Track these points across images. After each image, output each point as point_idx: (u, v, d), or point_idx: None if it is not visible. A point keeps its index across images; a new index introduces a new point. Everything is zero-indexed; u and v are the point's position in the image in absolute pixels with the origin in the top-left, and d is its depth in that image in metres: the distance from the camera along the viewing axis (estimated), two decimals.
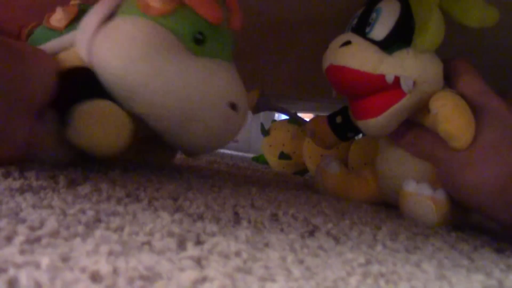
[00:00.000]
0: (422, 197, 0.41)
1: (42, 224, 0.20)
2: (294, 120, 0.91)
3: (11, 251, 0.16)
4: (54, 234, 0.19)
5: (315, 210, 0.38)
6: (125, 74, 0.35)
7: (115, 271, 0.16)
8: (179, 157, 0.61)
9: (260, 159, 0.98)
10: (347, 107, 0.54)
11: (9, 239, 0.17)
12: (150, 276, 0.16)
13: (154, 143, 0.44)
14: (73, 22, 0.41)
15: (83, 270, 0.15)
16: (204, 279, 0.17)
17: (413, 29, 0.42)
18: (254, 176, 0.64)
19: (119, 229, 0.22)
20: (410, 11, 0.42)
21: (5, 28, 0.45)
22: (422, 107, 0.42)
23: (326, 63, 0.46)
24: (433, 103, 0.39)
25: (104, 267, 0.16)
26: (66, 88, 0.35)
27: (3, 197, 0.24)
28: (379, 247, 0.28)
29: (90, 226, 0.21)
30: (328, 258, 0.23)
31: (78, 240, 0.19)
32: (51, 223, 0.20)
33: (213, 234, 0.24)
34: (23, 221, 0.20)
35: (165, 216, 0.25)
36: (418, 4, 0.42)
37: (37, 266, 0.15)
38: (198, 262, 0.19)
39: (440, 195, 0.40)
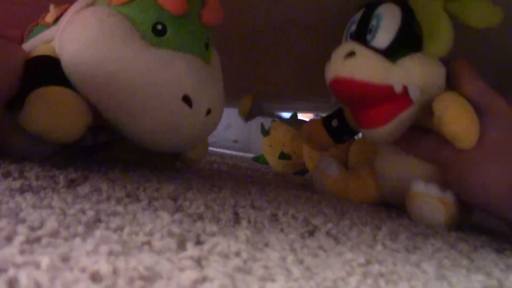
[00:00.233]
0: (431, 197, 0.40)
1: (42, 224, 0.20)
2: (293, 121, 0.92)
3: (11, 251, 0.16)
4: (54, 234, 0.19)
5: (315, 210, 0.38)
6: (76, 59, 0.35)
7: (115, 271, 0.16)
8: None
9: (260, 159, 0.98)
10: (342, 109, 0.54)
11: (9, 239, 0.17)
12: (150, 276, 0.16)
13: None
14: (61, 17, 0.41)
15: (83, 270, 0.15)
16: (204, 279, 0.17)
17: (415, 34, 0.41)
18: (254, 176, 0.64)
19: (119, 229, 0.21)
20: (411, 17, 0.42)
21: (7, 33, 0.46)
22: (427, 110, 0.41)
23: (330, 75, 0.44)
24: (436, 106, 0.39)
25: (104, 267, 0.16)
26: (31, 77, 0.36)
27: (3, 197, 0.24)
28: (379, 247, 0.28)
29: (90, 226, 0.21)
30: (328, 258, 0.23)
31: (78, 240, 0.19)
32: (51, 223, 0.20)
33: (213, 234, 0.24)
34: (23, 221, 0.20)
35: (165, 216, 0.25)
36: (423, 9, 0.41)
37: (37, 266, 0.15)
38: (198, 262, 0.19)
39: (449, 196, 0.40)
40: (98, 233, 0.20)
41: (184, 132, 0.39)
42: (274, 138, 0.90)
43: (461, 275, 0.24)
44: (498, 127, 0.37)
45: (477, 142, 0.37)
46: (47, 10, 0.45)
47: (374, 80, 0.41)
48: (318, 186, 0.53)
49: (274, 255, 0.21)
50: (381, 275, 0.21)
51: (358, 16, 0.46)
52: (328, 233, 0.30)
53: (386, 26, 0.42)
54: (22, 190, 0.27)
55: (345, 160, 0.67)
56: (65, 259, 0.16)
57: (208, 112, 0.39)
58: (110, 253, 0.18)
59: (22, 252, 0.16)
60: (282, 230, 0.28)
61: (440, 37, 0.40)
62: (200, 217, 0.28)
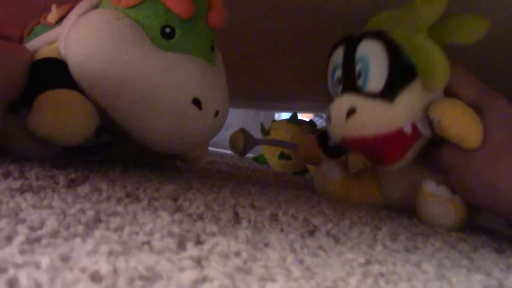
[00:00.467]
0: (442, 198, 0.40)
1: (42, 224, 0.20)
2: (294, 120, 0.92)
3: (11, 251, 0.16)
4: (54, 234, 0.19)
5: (315, 210, 0.38)
6: (85, 62, 0.35)
7: (115, 271, 0.16)
8: None
9: (260, 159, 0.98)
10: None
11: (9, 239, 0.17)
12: (150, 276, 0.16)
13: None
14: (64, 18, 0.41)
15: (83, 270, 0.15)
16: (204, 279, 0.17)
17: (405, 65, 0.40)
18: (254, 176, 0.64)
19: (119, 229, 0.21)
20: (396, 49, 0.40)
21: (8, 32, 0.46)
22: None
23: (337, 136, 0.44)
24: (433, 113, 0.39)
25: (104, 267, 0.16)
26: (38, 80, 0.36)
27: (3, 197, 0.24)
28: (379, 247, 0.28)
29: (90, 226, 0.21)
30: (328, 258, 0.23)
31: (78, 240, 0.19)
32: (51, 223, 0.20)
33: (213, 234, 0.24)
34: (23, 221, 0.20)
35: (165, 216, 0.25)
36: (409, 44, 0.40)
37: (37, 266, 0.15)
38: (198, 262, 0.19)
39: (460, 198, 0.40)
40: (98, 233, 0.20)
41: (194, 134, 0.39)
42: (274, 138, 0.89)
43: (461, 275, 0.24)
44: (501, 125, 0.37)
45: (482, 142, 0.37)
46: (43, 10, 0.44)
47: (382, 131, 0.41)
48: (320, 189, 0.52)
49: (274, 255, 0.21)
50: (381, 275, 0.21)
51: (339, 57, 0.44)
52: (328, 233, 0.30)
53: (375, 67, 0.41)
54: (22, 190, 0.27)
55: (344, 161, 0.67)
56: (65, 259, 0.16)
57: (216, 114, 0.40)
58: (110, 253, 0.18)
59: (22, 252, 0.16)
60: (282, 230, 0.28)
61: (436, 72, 0.39)
62: (200, 217, 0.28)
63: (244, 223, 0.28)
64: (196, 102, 0.37)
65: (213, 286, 0.16)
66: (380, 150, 0.43)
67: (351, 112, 0.41)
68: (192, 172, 0.52)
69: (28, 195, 0.25)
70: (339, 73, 0.45)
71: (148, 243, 0.20)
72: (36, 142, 0.34)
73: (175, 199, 0.32)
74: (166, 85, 0.36)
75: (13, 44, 0.39)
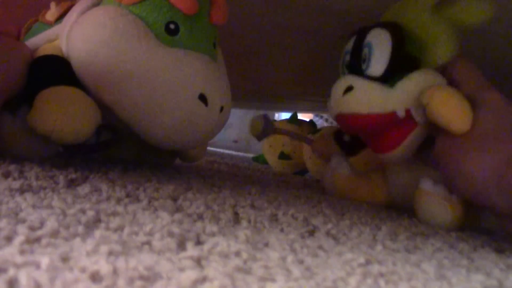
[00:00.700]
0: (438, 197, 0.41)
1: (42, 224, 0.20)
2: (294, 120, 0.91)
3: (11, 251, 0.16)
4: (54, 234, 0.19)
5: (315, 210, 0.38)
6: (89, 58, 0.35)
7: (115, 271, 0.16)
8: None
9: (260, 159, 0.98)
10: None
11: (9, 239, 0.17)
12: (150, 276, 0.16)
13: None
14: (64, 16, 0.41)
15: (83, 270, 0.15)
16: (204, 279, 0.17)
17: (409, 54, 0.42)
18: (254, 176, 0.64)
19: (119, 229, 0.21)
20: (402, 38, 0.42)
21: (5, 29, 0.45)
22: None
23: (334, 113, 0.46)
24: (422, 98, 0.40)
25: (104, 267, 0.16)
26: (40, 77, 0.35)
27: (3, 197, 0.24)
28: (379, 247, 0.28)
29: (90, 226, 0.21)
30: (328, 258, 0.23)
31: (78, 240, 0.19)
32: (51, 223, 0.20)
33: (213, 234, 0.24)
34: (23, 221, 0.20)
35: (165, 216, 0.25)
36: (414, 23, 0.42)
37: (37, 266, 0.15)
38: (198, 262, 0.19)
39: (457, 197, 0.40)
40: (98, 233, 0.20)
41: (200, 130, 0.39)
42: (274, 138, 0.90)
43: (461, 275, 0.24)
44: (491, 118, 0.38)
45: (469, 133, 0.38)
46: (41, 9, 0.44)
47: (375, 111, 0.42)
48: (328, 185, 0.53)
49: (274, 255, 0.21)
50: (381, 275, 0.21)
51: (350, 45, 0.46)
52: (328, 233, 0.30)
53: (379, 53, 0.42)
54: (22, 190, 0.27)
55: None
56: (65, 259, 0.16)
57: (221, 110, 0.40)
58: (110, 253, 0.18)
59: (22, 252, 0.16)
60: (282, 230, 0.28)
61: (439, 43, 0.41)
62: (200, 217, 0.28)
63: (244, 223, 0.28)
64: (202, 98, 0.37)
65: (213, 286, 0.16)
66: (375, 133, 0.44)
67: (348, 90, 0.43)
68: (192, 172, 0.52)
69: (28, 195, 0.25)
70: (347, 58, 0.46)
71: (148, 243, 0.20)
72: (36, 141, 0.34)
73: (175, 199, 0.32)
74: (173, 81, 0.36)
75: (12, 40, 0.39)
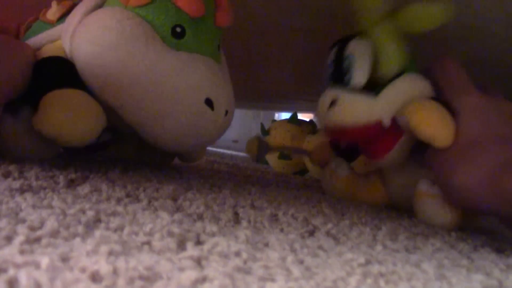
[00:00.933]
0: (437, 198, 0.41)
1: (42, 224, 0.20)
2: (294, 120, 0.91)
3: (11, 251, 0.16)
4: (54, 234, 0.19)
5: (315, 210, 0.38)
6: (96, 61, 0.35)
7: (115, 271, 0.16)
8: None
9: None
10: None
11: (9, 239, 0.17)
12: (150, 276, 0.16)
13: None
14: (66, 15, 0.41)
15: (83, 270, 0.15)
16: (204, 279, 0.17)
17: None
18: (254, 176, 0.64)
19: (119, 229, 0.21)
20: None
21: (3, 26, 0.45)
22: None
23: (321, 125, 0.47)
24: (402, 114, 0.40)
25: (104, 267, 0.16)
26: (44, 79, 0.35)
27: (3, 197, 0.24)
28: (379, 247, 0.28)
29: (90, 226, 0.21)
30: (328, 258, 0.23)
31: (78, 240, 0.19)
32: (51, 223, 0.20)
33: (213, 234, 0.24)
34: (23, 221, 0.20)
35: (165, 216, 0.25)
36: (375, 36, 0.42)
37: (37, 266, 0.15)
38: (198, 262, 0.19)
39: None
40: (98, 233, 0.20)
41: (206, 134, 0.39)
42: (274, 138, 0.89)
43: (461, 275, 0.24)
44: (475, 124, 0.37)
45: (456, 141, 0.38)
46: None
47: (361, 122, 0.43)
48: (328, 187, 0.53)
49: (274, 255, 0.21)
50: (381, 275, 0.21)
51: (331, 58, 0.47)
52: (328, 233, 0.30)
53: (360, 63, 0.43)
54: (22, 190, 0.27)
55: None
56: (65, 259, 0.16)
57: (226, 113, 0.40)
58: (110, 253, 0.18)
59: (22, 252, 0.16)
60: (282, 230, 0.28)
61: (386, 60, 0.41)
62: (200, 217, 0.28)
63: (244, 223, 0.28)
64: (209, 102, 0.37)
65: (213, 286, 0.16)
66: (366, 142, 0.45)
67: (333, 102, 0.44)
68: (192, 172, 0.52)
69: (28, 195, 0.25)
70: (330, 70, 0.47)
71: (148, 243, 0.20)
72: (37, 142, 0.34)
73: (175, 199, 0.32)
74: (180, 86, 0.36)
75: (15, 41, 0.38)
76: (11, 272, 0.14)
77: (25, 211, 0.22)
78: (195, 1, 0.37)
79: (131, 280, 0.15)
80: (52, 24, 0.42)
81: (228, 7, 0.41)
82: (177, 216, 0.26)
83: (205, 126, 0.38)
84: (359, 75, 0.43)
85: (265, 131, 0.92)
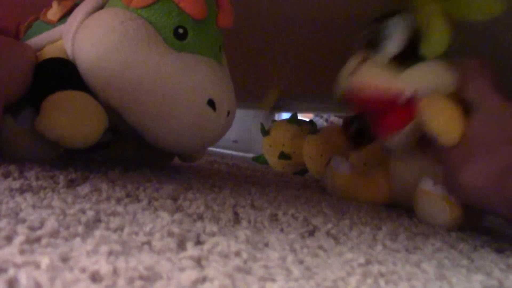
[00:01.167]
0: (437, 196, 0.41)
1: (42, 224, 0.20)
2: (294, 120, 0.91)
3: (11, 251, 0.16)
4: (54, 234, 0.19)
5: (315, 210, 0.38)
6: (99, 63, 0.35)
7: (115, 271, 0.16)
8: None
9: (260, 159, 0.98)
10: (360, 115, 0.54)
11: (9, 239, 0.17)
12: (150, 276, 0.16)
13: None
14: (66, 16, 0.41)
15: (83, 270, 0.15)
16: (204, 279, 0.17)
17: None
18: (254, 176, 0.64)
19: (119, 229, 0.21)
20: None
21: (3, 25, 0.45)
22: None
23: (340, 89, 0.47)
24: (419, 106, 0.40)
25: (104, 267, 0.16)
26: (46, 81, 0.35)
27: (3, 197, 0.24)
28: (379, 247, 0.28)
29: (90, 226, 0.21)
30: (328, 258, 0.23)
31: (78, 240, 0.19)
32: (51, 223, 0.20)
33: (213, 234, 0.24)
34: (23, 221, 0.20)
35: (165, 216, 0.25)
36: (421, 13, 0.42)
37: (37, 266, 0.15)
38: (198, 262, 0.19)
39: (455, 197, 0.40)
40: (98, 233, 0.20)
41: (208, 135, 0.39)
42: (274, 138, 0.89)
43: (461, 275, 0.24)
44: (489, 126, 0.37)
45: (465, 139, 0.38)
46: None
47: (382, 85, 0.43)
48: (329, 185, 0.53)
49: (274, 255, 0.21)
50: (381, 275, 0.21)
51: (371, 26, 0.47)
52: (328, 233, 0.30)
53: (397, 35, 0.43)
54: (22, 190, 0.27)
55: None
56: (65, 259, 0.16)
57: (227, 114, 0.40)
58: (110, 253, 0.18)
59: (22, 252, 0.16)
60: (282, 230, 0.28)
61: (431, 40, 0.41)
62: (200, 217, 0.28)
63: (244, 223, 0.28)
64: (211, 104, 0.37)
65: (213, 286, 0.16)
66: (378, 112, 0.45)
67: (361, 62, 0.45)
68: (192, 172, 0.52)
69: (28, 195, 0.25)
70: (366, 38, 0.47)
71: (148, 243, 0.20)
72: (37, 143, 0.34)
73: (175, 199, 0.32)
74: (183, 87, 0.36)
75: (15, 42, 0.38)
76: (11, 272, 0.14)
77: (25, 211, 0.22)
78: (198, 3, 0.37)
79: (131, 280, 0.15)
80: (53, 24, 0.42)
81: (230, 9, 0.41)
82: (177, 216, 0.26)
83: (207, 127, 0.38)
84: (394, 44, 0.43)
85: (265, 131, 0.92)
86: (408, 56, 0.42)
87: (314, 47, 0.65)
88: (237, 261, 0.19)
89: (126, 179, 0.36)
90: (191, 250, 0.20)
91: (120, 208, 0.26)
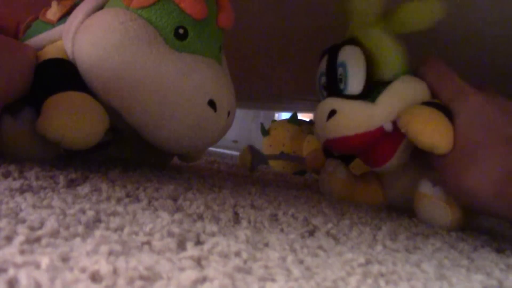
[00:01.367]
0: (437, 199, 0.41)
1: (42, 224, 0.20)
2: (294, 120, 0.91)
3: (11, 251, 0.16)
4: (54, 234, 0.19)
5: (315, 210, 0.38)
6: (99, 63, 0.35)
7: (115, 271, 0.16)
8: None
9: None
10: None
11: (9, 239, 0.17)
12: (150, 276, 0.16)
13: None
14: (66, 16, 0.41)
15: (83, 270, 0.15)
16: (204, 279, 0.17)
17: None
18: (254, 176, 0.64)
19: (119, 229, 0.22)
20: (371, 53, 0.43)
21: (2, 24, 0.45)
22: None
23: (321, 139, 0.46)
24: (400, 123, 0.40)
25: (104, 267, 0.16)
26: (47, 81, 0.35)
27: (3, 197, 0.24)
28: (379, 247, 0.28)
29: (90, 226, 0.21)
30: (328, 258, 0.23)
31: (78, 240, 0.19)
32: (51, 223, 0.20)
33: (213, 234, 0.24)
34: (23, 221, 0.20)
35: (165, 216, 0.25)
36: (368, 40, 0.42)
37: (37, 266, 0.15)
38: (198, 262, 0.19)
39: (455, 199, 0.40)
40: (98, 233, 0.20)
41: (208, 135, 0.39)
42: (274, 138, 0.90)
43: (461, 275, 0.24)
44: (478, 126, 0.37)
45: (456, 145, 0.37)
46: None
47: (362, 130, 0.42)
48: (325, 189, 0.52)
49: (274, 255, 0.21)
50: (381, 275, 0.21)
51: (323, 67, 0.46)
52: (328, 233, 0.30)
53: (354, 71, 0.43)
54: (22, 190, 0.27)
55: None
56: (65, 259, 0.16)
57: (228, 114, 0.40)
58: (110, 253, 0.18)
59: (22, 252, 0.16)
60: (282, 230, 0.28)
61: (387, 62, 0.42)
62: (200, 217, 0.28)
63: (244, 223, 0.28)
64: (212, 104, 0.37)
65: (213, 286, 0.16)
66: (366, 150, 0.44)
67: (331, 114, 0.43)
68: (192, 172, 0.52)
69: (28, 195, 0.25)
70: (324, 79, 0.47)
71: (148, 243, 0.20)
72: (37, 143, 0.34)
73: (175, 199, 0.32)
74: (183, 87, 0.36)
75: (15, 42, 0.38)
76: (11, 272, 0.14)
77: (25, 211, 0.22)
78: (198, 3, 0.37)
79: (131, 280, 0.15)
80: (52, 24, 0.42)
81: (230, 9, 0.41)
82: (177, 216, 0.26)
83: (208, 127, 0.38)
84: (355, 83, 0.43)
85: (265, 131, 0.92)
86: (372, 87, 0.42)
87: (314, 47, 0.65)
88: (237, 261, 0.19)
89: (126, 179, 0.36)
90: (191, 250, 0.20)
91: (120, 208, 0.26)
